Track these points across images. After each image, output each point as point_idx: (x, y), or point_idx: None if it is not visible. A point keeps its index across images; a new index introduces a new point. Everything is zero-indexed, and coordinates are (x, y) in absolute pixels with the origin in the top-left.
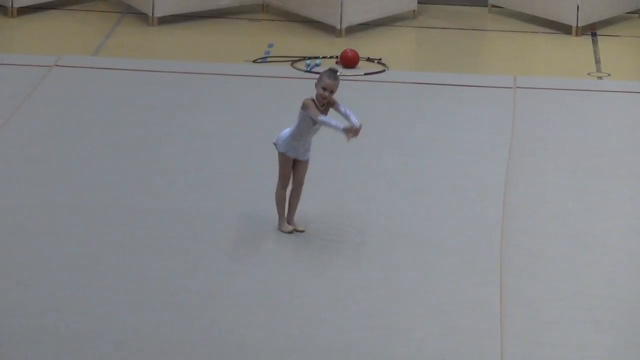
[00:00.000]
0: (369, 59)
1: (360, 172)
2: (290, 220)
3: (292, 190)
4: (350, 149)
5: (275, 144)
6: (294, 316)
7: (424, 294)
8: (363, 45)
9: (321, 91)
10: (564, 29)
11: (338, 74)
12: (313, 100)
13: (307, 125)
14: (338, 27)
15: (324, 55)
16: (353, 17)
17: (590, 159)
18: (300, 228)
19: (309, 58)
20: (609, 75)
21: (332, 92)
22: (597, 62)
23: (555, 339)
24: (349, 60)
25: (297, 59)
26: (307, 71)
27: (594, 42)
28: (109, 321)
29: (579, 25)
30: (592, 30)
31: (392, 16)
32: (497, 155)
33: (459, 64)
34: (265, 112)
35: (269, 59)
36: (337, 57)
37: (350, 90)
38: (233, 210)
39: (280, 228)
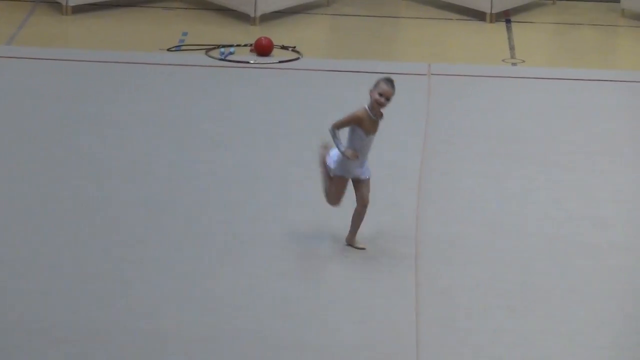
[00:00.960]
0: (283, 47)
1: (273, 161)
2: (351, 240)
3: (355, 210)
4: (262, 136)
5: (329, 168)
6: (208, 304)
7: (339, 281)
8: (277, 33)
9: (377, 96)
10: (478, 15)
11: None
12: (365, 110)
13: (359, 138)
14: (252, 15)
15: (239, 43)
16: (267, 5)
17: (505, 145)
18: (360, 245)
19: (224, 46)
20: (524, 61)
21: (387, 99)
22: (512, 48)
23: (470, 325)
24: (263, 48)
25: (211, 47)
26: (221, 59)
27: (508, 29)
28: (20, 309)
29: (493, 11)
30: (506, 17)
31: (306, 4)
32: (412, 142)
33: (374, 51)
34: (180, 100)
35: (183, 48)
36: (251, 45)
37: (264, 78)
38: (146, 200)
39: (349, 243)
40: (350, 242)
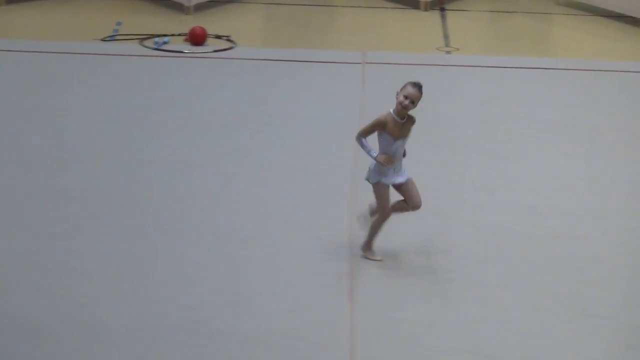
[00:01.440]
0: (217, 36)
1: (210, 150)
2: (367, 248)
3: (398, 206)
4: (197, 125)
5: (367, 180)
6: (141, 294)
7: (273, 270)
8: (212, 23)
9: (402, 98)
10: (412, 4)
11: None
12: (389, 114)
13: (387, 143)
14: (187, 4)
15: (173, 32)
16: None
17: (440, 133)
18: (377, 258)
19: (158, 36)
20: (458, 49)
21: (413, 102)
22: (446, 37)
23: (404, 314)
24: (198, 38)
25: (145, 36)
26: (155, 49)
27: (443, 17)
28: None
29: (427, 0)
30: (440, 5)
31: None
32: (346, 130)
33: (308, 40)
34: (114, 90)
35: (117, 37)
36: (185, 34)
37: (198, 67)
38: (84, 189)
39: (365, 254)
40: (367, 253)
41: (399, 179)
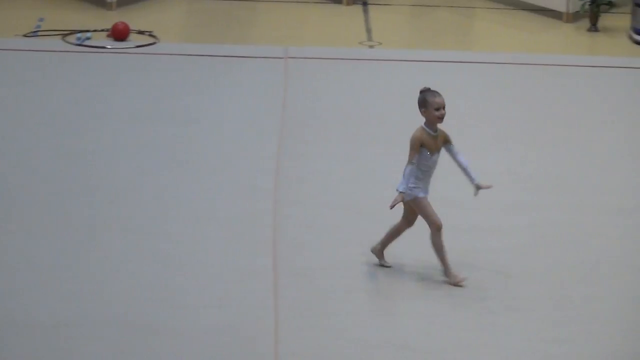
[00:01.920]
0: (140, 32)
1: (132, 145)
2: (380, 252)
3: (397, 225)
4: (119, 121)
5: (403, 193)
6: (64, 290)
7: (198, 266)
8: (134, 18)
9: (435, 113)
10: None
11: None
12: (423, 129)
13: (425, 159)
14: (109, 0)
15: (95, 28)
16: None
17: (362, 127)
18: (387, 264)
19: (80, 32)
20: (380, 44)
21: (444, 108)
22: (368, 31)
23: (329, 308)
24: (120, 33)
25: (68, 32)
26: (78, 45)
27: (365, 11)
28: None
29: None
30: (362, 0)
31: None
32: (269, 125)
33: (231, 36)
34: (37, 85)
35: (39, 33)
36: (108, 30)
37: (121, 63)
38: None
39: (450, 280)
40: (379, 255)
41: (420, 194)
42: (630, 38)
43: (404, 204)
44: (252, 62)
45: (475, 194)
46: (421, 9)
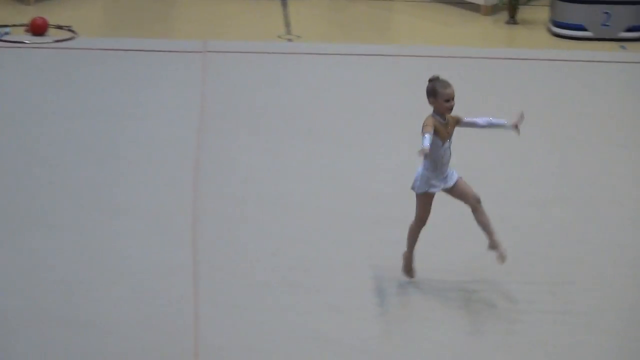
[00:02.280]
0: (58, 27)
1: (51, 140)
2: (494, 244)
3: (475, 214)
4: (38, 116)
5: (412, 189)
6: None
7: (117, 259)
8: (52, 13)
9: (445, 104)
10: None
11: None
12: (433, 116)
13: (436, 147)
14: None
15: (14, 23)
16: None
17: (282, 120)
18: (502, 258)
19: None
20: (299, 37)
21: (453, 98)
22: (287, 24)
23: (250, 301)
24: (38, 28)
25: None
26: None
27: (284, 5)
28: None
29: None
30: None
31: None
32: (188, 118)
33: (150, 29)
34: None
35: None
36: (26, 25)
37: (40, 58)
38: None
39: (404, 271)
40: (495, 246)
41: (449, 183)
42: (549, 30)
43: (451, 193)
44: (171, 56)
45: (519, 133)
46: (340, 2)
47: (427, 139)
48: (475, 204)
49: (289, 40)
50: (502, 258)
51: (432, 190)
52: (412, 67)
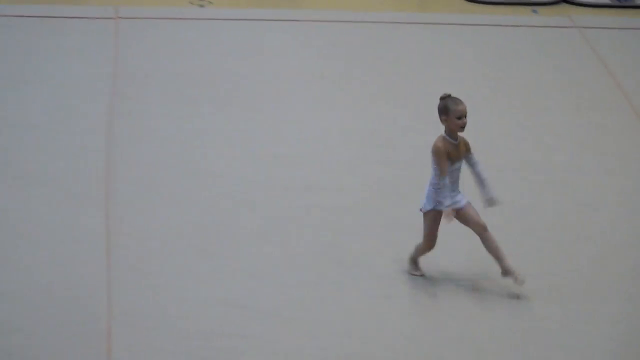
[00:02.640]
0: None
1: None
2: (506, 270)
3: (483, 241)
4: None
5: (420, 210)
6: None
7: (29, 226)
8: None
9: (457, 122)
10: None
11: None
12: (444, 139)
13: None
14: None
15: None
16: None
17: (194, 87)
18: (520, 281)
19: None
20: (211, 3)
21: (466, 116)
22: None
23: (161, 267)
24: None
25: None
26: None
27: None
28: None
29: None
30: None
31: None
32: (100, 86)
33: None
34: None
35: None
36: None
37: None
38: None
39: (411, 269)
40: (509, 272)
41: (458, 204)
42: None
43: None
44: (81, 23)
45: (485, 207)
46: None
47: (448, 199)
48: (482, 232)
49: (201, 6)
50: (519, 281)
51: (438, 207)
52: (322, 33)
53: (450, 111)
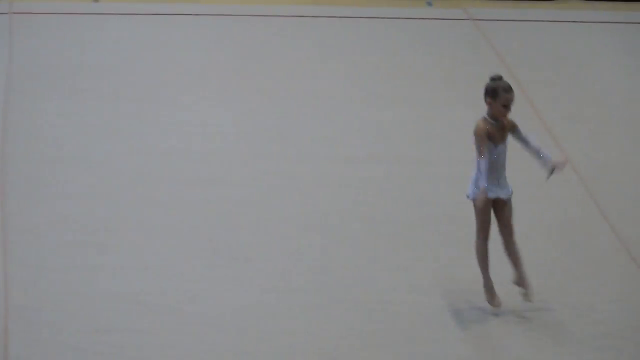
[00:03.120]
0: None
1: None
2: (520, 280)
3: (506, 243)
4: None
5: (468, 197)
6: None
7: None
8: None
9: (501, 109)
10: None
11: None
12: (485, 120)
13: (488, 151)
14: None
15: None
16: None
17: (88, 82)
18: (529, 296)
19: None
20: None
21: (512, 102)
22: None
23: (59, 262)
24: None
25: None
26: None
27: None
28: None
29: None
30: None
31: None
32: None
33: None
34: None
35: None
36: None
37: None
38: None
39: (488, 299)
40: (522, 283)
41: (503, 194)
42: None
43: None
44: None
45: (548, 177)
46: None
47: (484, 177)
48: (508, 236)
49: (96, 1)
50: (527, 297)
51: (488, 195)
52: (216, 27)
53: (499, 97)
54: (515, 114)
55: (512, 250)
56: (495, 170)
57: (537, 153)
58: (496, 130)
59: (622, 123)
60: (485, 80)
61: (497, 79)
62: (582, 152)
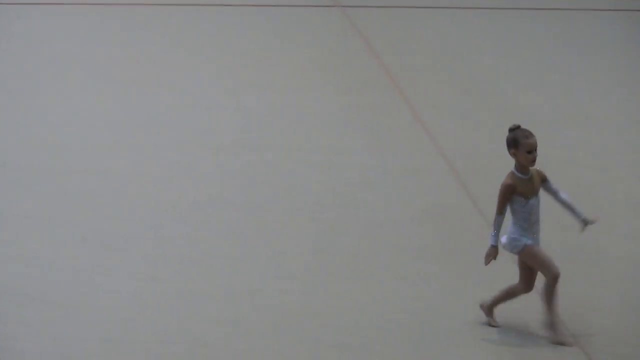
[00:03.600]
0: None
1: None
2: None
3: (547, 289)
4: None
5: (510, 250)
6: None
7: None
8: None
9: (527, 156)
10: None
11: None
12: (513, 175)
13: (520, 206)
14: None
15: None
16: None
17: None
18: (496, 324)
19: None
20: None
21: (536, 150)
22: None
23: None
24: None
25: None
26: None
27: None
28: None
29: None
30: None
31: None
32: None
33: None
34: None
35: None
36: None
37: None
38: None
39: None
40: (488, 313)
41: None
42: None
43: (518, 261)
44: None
45: (582, 230)
46: None
47: (494, 236)
48: (553, 281)
49: None
50: (557, 341)
51: (532, 242)
52: (87, 17)
53: (520, 145)
54: (383, 103)
55: (552, 294)
56: (530, 224)
57: (569, 206)
58: (525, 183)
59: (491, 109)
60: (353, 67)
61: (514, 128)
62: (451, 138)
